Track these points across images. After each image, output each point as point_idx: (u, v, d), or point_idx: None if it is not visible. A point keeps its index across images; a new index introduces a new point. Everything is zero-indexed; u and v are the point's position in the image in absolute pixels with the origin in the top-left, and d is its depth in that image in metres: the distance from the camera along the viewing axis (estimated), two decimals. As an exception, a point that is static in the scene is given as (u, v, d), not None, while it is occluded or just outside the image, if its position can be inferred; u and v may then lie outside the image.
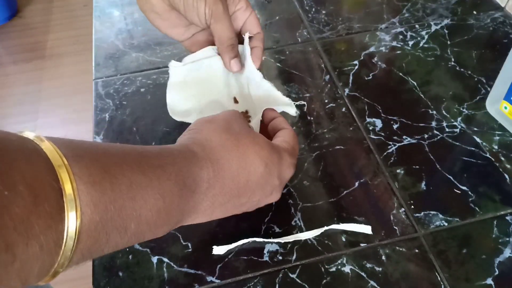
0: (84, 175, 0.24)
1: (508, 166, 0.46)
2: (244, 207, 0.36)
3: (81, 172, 0.23)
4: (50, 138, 0.24)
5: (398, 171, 0.45)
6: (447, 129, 0.49)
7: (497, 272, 0.39)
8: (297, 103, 0.44)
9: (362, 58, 0.57)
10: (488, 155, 0.47)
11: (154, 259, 0.39)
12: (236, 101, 0.47)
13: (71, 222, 0.22)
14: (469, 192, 0.44)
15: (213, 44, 0.45)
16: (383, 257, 0.39)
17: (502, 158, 0.47)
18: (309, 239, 0.40)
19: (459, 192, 0.44)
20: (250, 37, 0.45)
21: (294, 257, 0.39)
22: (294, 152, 0.39)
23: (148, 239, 0.30)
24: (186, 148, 0.32)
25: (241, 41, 0.46)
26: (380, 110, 0.51)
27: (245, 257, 0.39)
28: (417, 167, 0.46)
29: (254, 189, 0.35)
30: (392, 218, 0.42)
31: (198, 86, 0.47)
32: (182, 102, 0.47)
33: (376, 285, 0.38)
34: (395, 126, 0.49)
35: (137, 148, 0.29)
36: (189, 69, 0.46)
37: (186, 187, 0.30)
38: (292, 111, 0.43)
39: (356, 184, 0.44)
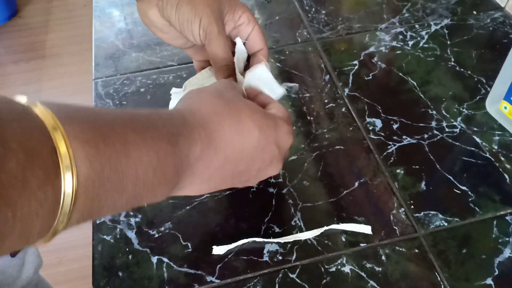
0: (77, 133, 0.23)
1: (508, 166, 0.46)
2: (244, 176, 0.35)
3: (74, 130, 0.23)
4: (42, 101, 0.24)
5: (398, 171, 0.45)
6: (447, 129, 0.49)
7: (497, 272, 0.39)
8: (290, 84, 0.43)
9: (362, 58, 0.57)
10: (488, 155, 0.47)
11: (154, 259, 0.39)
12: None
13: (68, 178, 0.22)
14: (469, 192, 0.44)
15: None
16: (383, 257, 0.39)
17: (502, 158, 0.47)
18: (309, 239, 0.40)
19: (459, 192, 0.44)
20: (254, 52, 0.45)
21: (294, 257, 0.39)
22: (288, 119, 0.38)
23: (147, 202, 0.30)
24: (176, 113, 0.32)
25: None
26: (380, 110, 0.51)
27: (245, 257, 0.39)
28: (417, 167, 0.46)
29: (252, 155, 0.34)
30: (392, 218, 0.42)
31: None
32: None
33: (376, 285, 0.38)
34: (395, 126, 0.49)
35: (128, 110, 0.29)
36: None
37: (179, 146, 0.30)
38: (280, 89, 0.41)
39: (356, 184, 0.44)
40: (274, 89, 0.43)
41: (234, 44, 0.44)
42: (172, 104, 0.47)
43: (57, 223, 0.23)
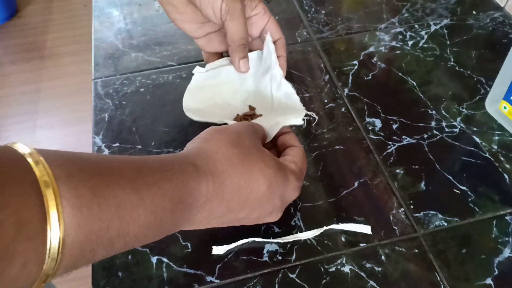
0: (72, 197, 0.24)
1: (508, 166, 0.46)
2: (241, 221, 0.36)
3: (70, 194, 0.23)
4: (45, 153, 0.24)
5: (397, 171, 0.45)
6: (446, 129, 0.49)
7: (496, 272, 0.39)
8: (309, 113, 0.44)
9: (361, 58, 0.57)
10: (487, 155, 0.47)
11: (154, 259, 0.39)
12: (251, 108, 0.47)
13: (54, 243, 0.23)
14: (469, 192, 0.44)
15: (226, 46, 0.46)
16: (383, 257, 0.39)
17: (502, 158, 0.47)
18: (309, 239, 0.40)
19: (459, 192, 0.44)
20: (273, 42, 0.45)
21: (293, 257, 0.39)
22: (301, 174, 0.38)
23: (138, 246, 0.30)
24: (188, 161, 0.32)
25: (259, 47, 0.47)
26: (380, 110, 0.51)
27: (245, 257, 0.39)
28: (417, 167, 0.46)
29: (254, 206, 0.35)
30: (391, 218, 0.42)
31: (215, 89, 0.47)
32: (197, 101, 0.47)
33: (375, 285, 0.38)
34: (394, 126, 0.49)
35: (136, 162, 0.29)
36: (210, 75, 0.47)
37: (182, 202, 0.30)
38: (299, 122, 0.42)
39: (356, 184, 0.44)
40: (297, 104, 0.44)
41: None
42: (192, 83, 0.47)
43: (39, 281, 0.23)
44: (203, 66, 0.48)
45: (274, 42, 0.45)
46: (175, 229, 0.32)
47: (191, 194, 0.31)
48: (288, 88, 0.45)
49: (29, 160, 0.23)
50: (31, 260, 0.22)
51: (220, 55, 0.49)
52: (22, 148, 0.24)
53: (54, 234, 0.22)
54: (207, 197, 0.32)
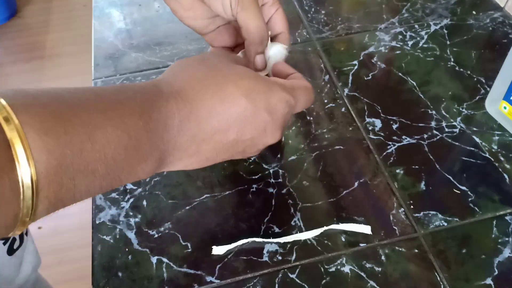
0: (35, 122, 0.23)
1: (508, 166, 0.46)
2: (238, 146, 0.33)
3: (32, 119, 0.23)
4: (3, 92, 0.23)
5: (397, 171, 0.45)
6: (446, 129, 0.49)
7: (496, 272, 0.39)
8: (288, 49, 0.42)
9: (361, 58, 0.57)
10: (487, 155, 0.47)
11: (154, 259, 0.39)
12: None
13: (24, 170, 0.22)
14: (469, 192, 0.44)
15: (238, 38, 0.43)
16: (383, 257, 0.39)
17: (502, 158, 0.47)
18: (309, 239, 0.40)
19: (459, 192, 0.44)
20: (275, 35, 0.42)
21: (293, 257, 0.39)
22: (292, 89, 0.35)
23: (130, 181, 0.29)
24: (150, 84, 0.31)
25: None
26: (380, 110, 0.51)
27: (245, 257, 0.39)
28: (417, 167, 0.46)
29: (240, 122, 0.32)
30: (391, 218, 0.42)
31: None
32: None
33: (375, 285, 0.38)
34: (394, 126, 0.49)
35: (95, 88, 0.28)
36: None
37: (153, 120, 0.28)
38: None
39: (356, 184, 0.44)
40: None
41: None
42: None
43: (22, 214, 0.23)
44: None
45: (274, 37, 0.42)
46: (162, 157, 0.30)
47: (161, 112, 0.29)
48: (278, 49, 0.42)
49: (5, 127, 0.22)
50: (3, 188, 0.21)
51: (231, 49, 0.45)
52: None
53: (21, 160, 0.22)
54: (181, 115, 0.30)
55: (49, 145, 0.23)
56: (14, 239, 0.49)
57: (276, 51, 0.41)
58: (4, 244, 0.47)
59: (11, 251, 0.48)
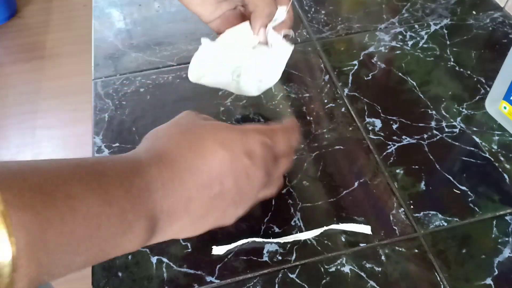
0: (15, 198, 0.22)
1: (508, 166, 0.46)
2: (225, 198, 0.33)
3: (13, 197, 0.22)
4: None
5: (397, 171, 0.45)
6: (446, 129, 0.49)
7: (496, 272, 0.39)
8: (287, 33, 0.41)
9: (361, 58, 0.57)
10: (487, 155, 0.47)
11: (154, 259, 0.39)
12: None
13: (4, 250, 0.21)
14: (469, 192, 0.44)
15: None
16: (383, 257, 0.39)
17: (502, 158, 0.47)
18: (309, 239, 0.40)
19: (459, 192, 0.44)
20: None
21: (293, 257, 0.39)
22: (269, 130, 0.35)
23: (117, 254, 0.28)
24: (127, 154, 0.31)
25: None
26: (380, 110, 0.51)
27: (245, 257, 0.39)
28: (417, 167, 0.46)
29: (221, 172, 0.31)
30: (391, 218, 0.42)
31: (223, 53, 0.44)
32: (201, 65, 0.44)
33: (375, 285, 0.38)
34: (394, 126, 0.49)
35: (74, 159, 0.28)
36: (218, 44, 0.44)
37: (135, 187, 0.28)
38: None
39: (356, 184, 0.44)
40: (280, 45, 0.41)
41: None
42: (197, 54, 0.44)
43: None
44: None
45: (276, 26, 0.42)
46: (149, 226, 0.29)
47: (142, 178, 0.29)
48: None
49: None
50: None
51: None
52: None
53: (3, 244, 0.21)
54: (163, 177, 0.29)
55: (27, 222, 0.22)
56: None
57: (278, 17, 0.41)
58: None
59: None
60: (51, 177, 0.25)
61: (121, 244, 0.28)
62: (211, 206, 0.32)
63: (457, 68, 0.56)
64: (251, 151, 0.33)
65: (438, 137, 0.48)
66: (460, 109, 0.51)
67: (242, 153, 0.32)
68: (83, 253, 0.26)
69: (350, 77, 0.55)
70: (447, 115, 0.51)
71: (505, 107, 0.49)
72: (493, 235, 0.41)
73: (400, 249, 0.40)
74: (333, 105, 0.52)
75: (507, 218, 0.42)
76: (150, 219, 0.29)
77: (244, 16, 0.43)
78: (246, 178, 0.33)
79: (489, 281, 0.38)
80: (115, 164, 0.28)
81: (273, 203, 0.43)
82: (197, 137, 0.32)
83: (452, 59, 0.57)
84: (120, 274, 0.38)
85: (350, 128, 0.49)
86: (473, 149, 0.48)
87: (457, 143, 0.48)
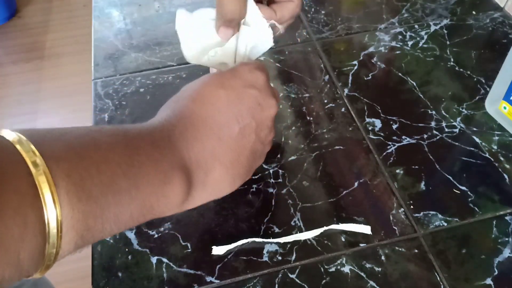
0: (61, 164, 0.23)
1: (507, 166, 0.46)
2: (249, 135, 0.34)
3: (58, 162, 0.23)
4: (26, 132, 0.24)
5: (397, 171, 0.45)
6: (446, 129, 0.49)
7: (496, 272, 0.39)
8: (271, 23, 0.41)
9: (361, 58, 0.57)
10: (487, 155, 0.47)
11: (154, 260, 0.39)
12: None
13: (50, 214, 0.22)
14: (469, 192, 0.44)
15: None
16: (383, 257, 0.39)
17: (502, 158, 0.47)
18: (309, 239, 0.40)
19: (459, 192, 0.44)
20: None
21: (293, 257, 0.39)
22: (256, 66, 0.36)
23: (162, 209, 0.29)
24: (138, 124, 0.32)
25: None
26: (380, 110, 0.51)
27: (245, 258, 0.39)
28: (417, 167, 0.46)
29: (233, 111, 0.33)
30: (391, 218, 0.42)
31: (202, 29, 0.42)
32: (192, 45, 0.43)
33: (375, 285, 0.38)
34: (394, 126, 0.49)
35: (93, 126, 0.29)
36: (196, 16, 0.42)
37: (157, 139, 0.29)
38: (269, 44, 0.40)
39: (356, 184, 0.44)
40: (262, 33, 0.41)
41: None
42: (177, 24, 0.42)
43: (48, 246, 0.23)
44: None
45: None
46: (185, 174, 0.30)
47: (163, 132, 0.30)
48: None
49: (10, 138, 0.23)
50: (27, 217, 0.21)
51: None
52: (4, 132, 0.23)
53: (50, 208, 0.22)
54: (182, 133, 0.31)
55: (66, 172, 0.23)
56: None
57: (254, 39, 0.40)
58: None
59: None
60: (79, 134, 0.26)
61: (163, 195, 0.28)
62: (238, 147, 0.33)
63: (457, 68, 0.56)
64: (252, 81, 0.34)
65: (438, 137, 0.48)
66: (460, 109, 0.51)
67: (245, 86, 0.33)
68: (127, 205, 0.26)
69: (350, 77, 0.55)
70: (447, 115, 0.51)
71: (505, 107, 0.49)
72: (493, 235, 0.41)
73: (400, 249, 0.40)
74: (333, 105, 0.52)
75: (507, 218, 0.42)
76: (183, 169, 0.30)
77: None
78: (259, 108, 0.34)
79: (489, 281, 0.38)
80: (134, 126, 0.30)
81: (273, 203, 0.43)
82: (198, 90, 0.33)
83: (452, 59, 0.57)
84: (120, 274, 0.38)
85: (350, 128, 0.49)
86: (473, 149, 0.48)
87: (457, 143, 0.48)
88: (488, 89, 0.53)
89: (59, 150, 0.24)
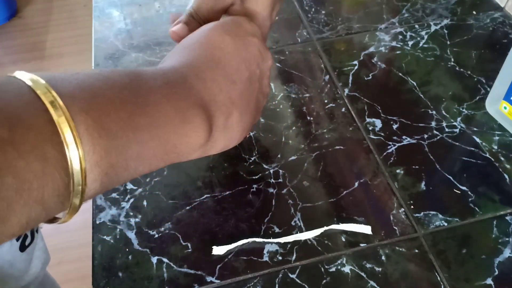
0: (79, 102, 0.23)
1: (508, 166, 0.46)
2: (254, 80, 0.35)
3: (76, 102, 0.23)
4: (38, 73, 0.23)
5: (397, 171, 0.45)
6: (446, 129, 0.49)
7: (496, 272, 0.39)
8: None
9: (361, 58, 0.57)
10: (487, 155, 0.47)
11: (154, 260, 0.39)
12: None
13: (73, 153, 0.21)
14: (469, 192, 0.44)
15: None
16: (383, 257, 0.39)
17: (502, 158, 0.47)
18: (309, 239, 0.40)
19: (459, 192, 0.44)
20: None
21: (293, 257, 0.39)
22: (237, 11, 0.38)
23: (185, 149, 0.29)
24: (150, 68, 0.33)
25: None
26: (380, 110, 0.51)
27: (245, 257, 0.39)
28: (417, 167, 0.46)
29: (242, 57, 0.34)
30: (391, 218, 0.42)
31: None
32: None
33: (375, 285, 0.38)
34: (394, 126, 0.49)
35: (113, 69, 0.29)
36: None
37: (172, 80, 0.29)
38: None
39: (356, 184, 0.44)
40: None
41: None
42: None
43: (73, 183, 0.22)
44: None
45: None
46: (203, 113, 0.30)
47: (177, 73, 0.30)
48: None
49: (41, 96, 0.22)
50: (47, 152, 0.21)
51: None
52: (22, 76, 0.23)
53: (60, 118, 0.21)
54: (197, 77, 0.31)
55: (84, 109, 0.23)
56: (26, 236, 0.49)
57: None
58: (17, 240, 0.48)
59: (23, 248, 0.49)
60: (91, 73, 0.25)
61: (185, 134, 0.28)
62: (248, 93, 0.34)
63: (457, 68, 0.56)
64: (253, 31, 0.36)
65: (438, 137, 0.48)
66: (461, 109, 0.51)
67: (248, 35, 0.35)
68: (148, 142, 0.26)
69: (350, 77, 0.55)
70: (447, 115, 0.51)
71: (505, 107, 0.49)
72: (493, 235, 0.41)
73: (401, 249, 0.40)
74: (333, 105, 0.52)
75: (508, 218, 0.42)
76: (203, 109, 0.29)
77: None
78: (261, 57, 0.36)
79: (489, 281, 0.38)
80: (146, 68, 0.29)
81: (273, 203, 0.43)
82: (205, 36, 0.33)
83: (452, 59, 0.57)
84: (120, 274, 0.38)
85: (350, 128, 0.49)
86: (473, 149, 0.48)
87: (457, 143, 0.48)
88: (488, 89, 0.53)
89: (73, 89, 0.23)
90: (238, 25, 0.35)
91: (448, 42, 0.59)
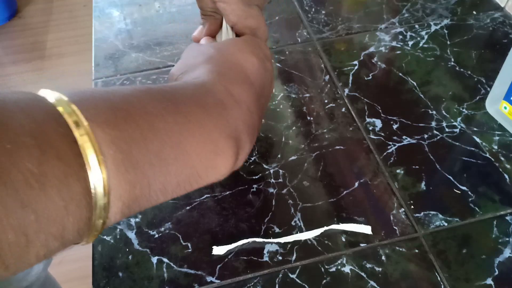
0: (96, 117, 0.22)
1: (508, 166, 0.46)
2: (265, 97, 0.35)
3: (93, 116, 0.22)
4: (66, 92, 0.22)
5: (398, 171, 0.45)
6: (446, 129, 0.49)
7: (497, 272, 0.39)
8: None
9: (361, 58, 0.57)
10: (487, 155, 0.47)
11: (154, 260, 0.39)
12: None
13: (95, 175, 0.21)
14: (469, 192, 0.44)
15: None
16: (383, 257, 0.39)
17: (502, 158, 0.47)
18: (309, 239, 0.40)
19: (459, 192, 0.44)
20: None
21: (294, 257, 0.39)
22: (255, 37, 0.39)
23: (210, 175, 0.27)
24: (185, 81, 0.32)
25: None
26: (380, 110, 0.51)
27: (245, 258, 0.39)
28: (417, 167, 0.46)
29: (256, 74, 0.34)
30: (392, 218, 0.42)
31: None
32: None
33: (376, 285, 0.38)
34: (394, 126, 0.49)
35: (140, 86, 0.28)
36: None
37: (209, 103, 0.28)
38: None
39: (356, 184, 0.44)
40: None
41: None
42: None
43: (95, 217, 0.21)
44: None
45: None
46: (232, 134, 0.28)
47: (215, 96, 0.29)
48: None
49: (67, 118, 0.21)
50: (73, 187, 0.20)
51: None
52: (50, 96, 0.22)
53: (89, 153, 0.21)
54: (231, 94, 0.30)
55: (112, 139, 0.22)
56: None
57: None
58: None
59: None
60: (125, 95, 0.24)
61: (212, 166, 0.27)
62: (262, 112, 0.35)
63: (457, 68, 0.56)
64: (269, 55, 0.37)
65: (438, 137, 0.48)
66: (461, 109, 0.51)
67: (267, 60, 0.36)
68: (175, 175, 0.25)
69: (351, 77, 0.55)
70: (448, 115, 0.51)
71: (505, 107, 0.49)
72: (493, 235, 0.41)
73: (401, 249, 0.40)
74: (334, 105, 0.52)
75: (508, 218, 0.42)
76: (235, 139, 0.28)
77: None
78: (272, 87, 0.38)
79: (489, 281, 0.38)
80: (182, 86, 0.28)
81: (273, 203, 0.43)
82: (233, 57, 0.34)
83: (452, 59, 0.57)
84: (120, 274, 0.38)
85: (351, 128, 0.49)
86: (473, 149, 0.48)
87: (457, 143, 0.48)
88: (488, 89, 0.53)
89: (103, 114, 0.22)
90: (259, 48, 0.36)
91: (448, 42, 0.59)
